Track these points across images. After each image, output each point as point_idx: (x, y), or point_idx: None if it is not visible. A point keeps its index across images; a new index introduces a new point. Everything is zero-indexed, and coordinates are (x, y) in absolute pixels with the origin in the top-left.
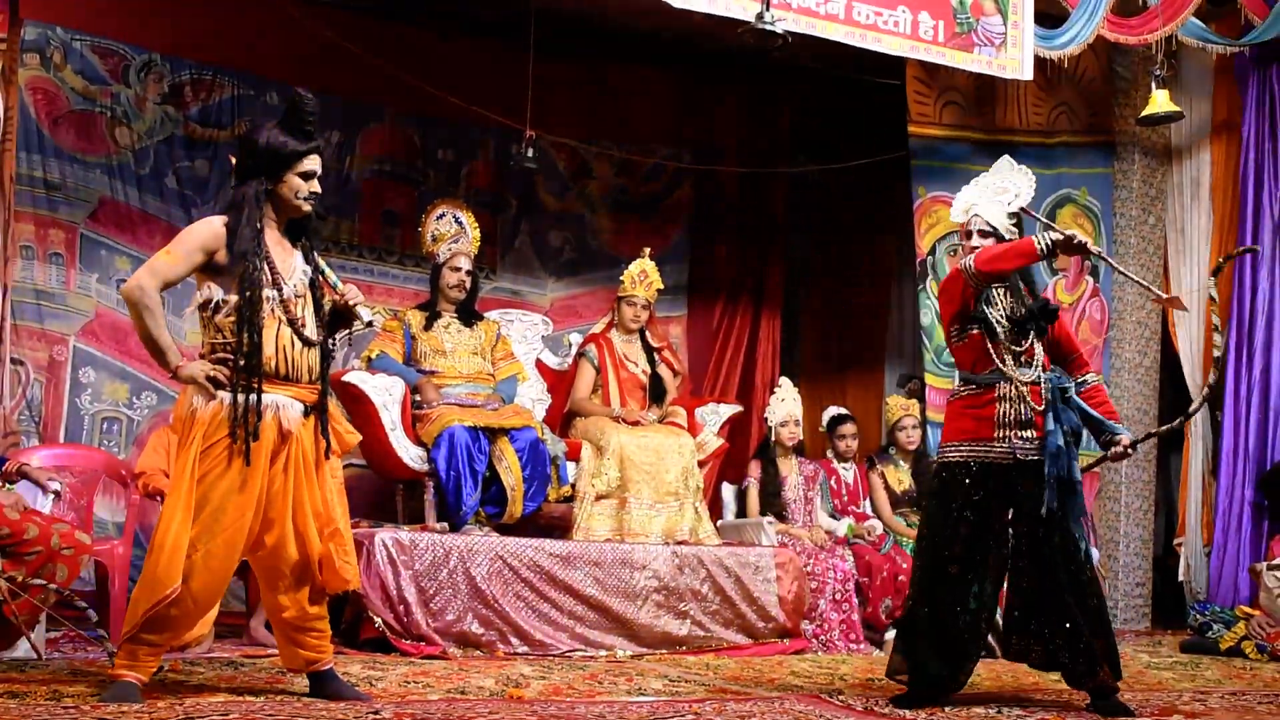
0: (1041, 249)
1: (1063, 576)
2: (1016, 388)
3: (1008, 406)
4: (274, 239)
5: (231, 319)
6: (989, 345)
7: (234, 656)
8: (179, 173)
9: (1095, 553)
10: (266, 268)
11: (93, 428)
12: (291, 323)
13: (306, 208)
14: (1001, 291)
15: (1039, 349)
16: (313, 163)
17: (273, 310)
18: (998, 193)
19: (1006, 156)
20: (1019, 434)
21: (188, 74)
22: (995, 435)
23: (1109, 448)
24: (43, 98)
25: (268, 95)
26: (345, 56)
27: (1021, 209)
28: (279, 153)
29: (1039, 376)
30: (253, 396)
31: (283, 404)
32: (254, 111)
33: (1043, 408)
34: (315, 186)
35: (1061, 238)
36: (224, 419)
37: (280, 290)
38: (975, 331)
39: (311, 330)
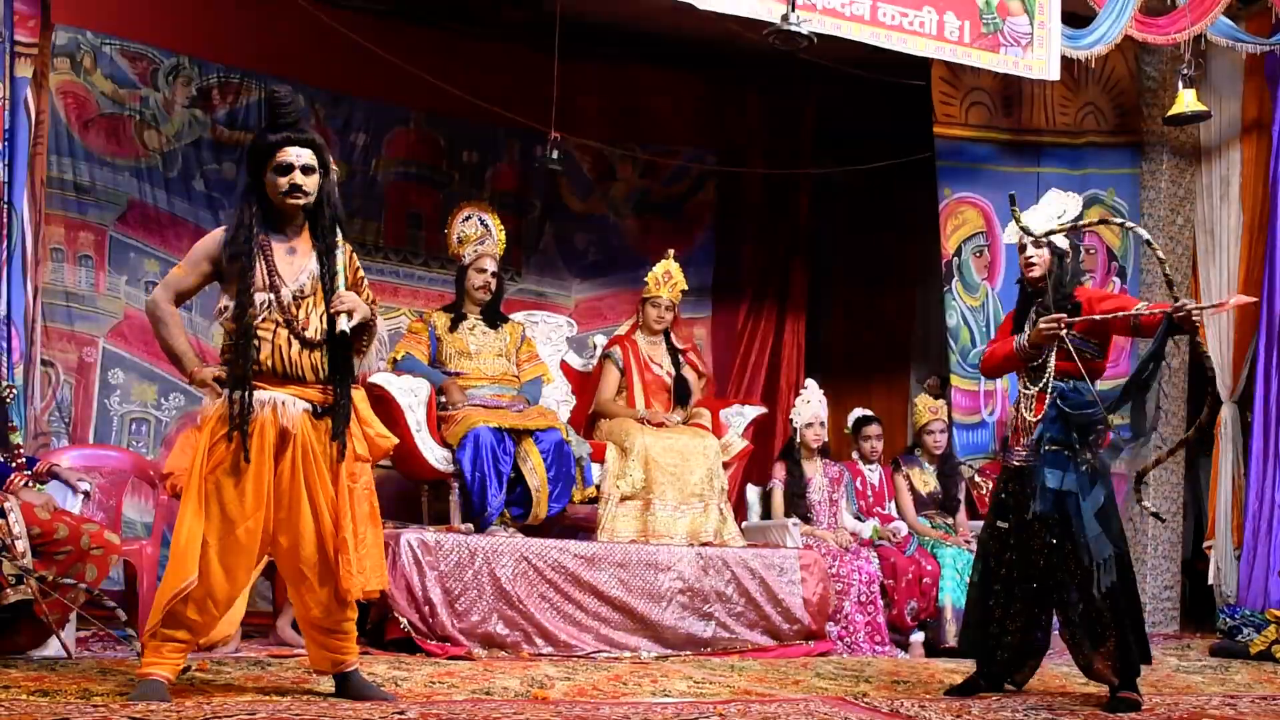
0: (1018, 348)
1: (1063, 576)
2: (1026, 398)
3: (1018, 415)
4: (281, 240)
5: (232, 322)
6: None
7: (261, 656)
8: (207, 175)
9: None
10: (263, 270)
11: (121, 428)
12: (289, 323)
13: (290, 202)
14: (1038, 311)
15: (1051, 359)
16: (287, 155)
17: (269, 312)
18: (1048, 208)
19: (1054, 189)
20: (1023, 442)
21: (215, 77)
22: (1012, 443)
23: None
24: (73, 101)
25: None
26: (371, 59)
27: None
28: (255, 151)
29: (1046, 385)
30: (243, 394)
31: (280, 401)
32: None
33: (1038, 417)
34: (296, 179)
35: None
36: (224, 417)
37: (277, 292)
38: None
39: (314, 331)
